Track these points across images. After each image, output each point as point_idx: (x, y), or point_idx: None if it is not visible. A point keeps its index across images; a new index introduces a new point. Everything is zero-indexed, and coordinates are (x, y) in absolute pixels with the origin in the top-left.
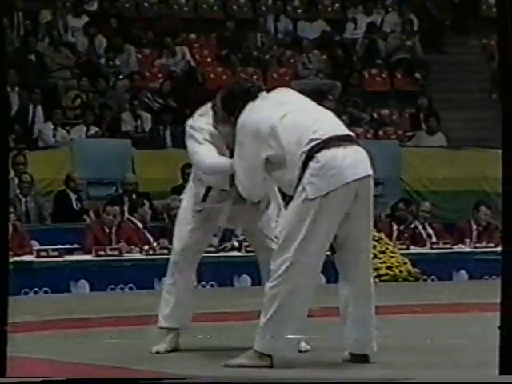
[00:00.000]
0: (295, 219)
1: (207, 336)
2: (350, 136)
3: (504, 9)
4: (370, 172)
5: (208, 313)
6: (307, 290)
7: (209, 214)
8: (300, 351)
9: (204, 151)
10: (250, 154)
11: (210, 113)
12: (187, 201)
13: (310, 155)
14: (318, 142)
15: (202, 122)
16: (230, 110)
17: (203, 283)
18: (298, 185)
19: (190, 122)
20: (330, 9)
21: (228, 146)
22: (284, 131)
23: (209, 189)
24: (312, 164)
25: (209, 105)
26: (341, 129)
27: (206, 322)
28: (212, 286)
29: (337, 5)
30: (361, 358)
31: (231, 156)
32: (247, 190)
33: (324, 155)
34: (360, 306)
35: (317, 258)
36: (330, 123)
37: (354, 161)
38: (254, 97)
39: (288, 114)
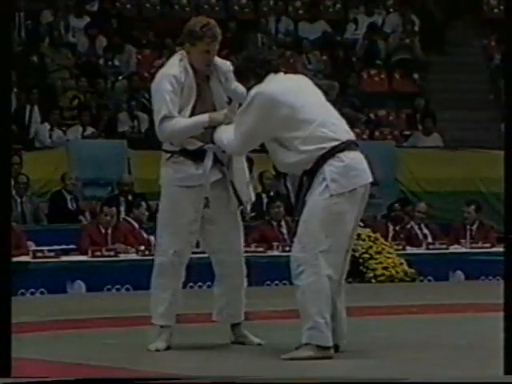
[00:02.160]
0: (317, 215)
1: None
2: (357, 143)
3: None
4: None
5: (201, 313)
6: (333, 282)
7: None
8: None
9: (165, 111)
10: (257, 125)
11: (182, 64)
12: (166, 184)
13: (332, 153)
14: (339, 142)
15: (174, 69)
16: (245, 78)
17: (191, 284)
18: (313, 178)
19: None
20: (331, 9)
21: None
22: (302, 121)
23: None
24: (334, 162)
25: (177, 57)
26: (352, 134)
27: (202, 322)
28: (209, 286)
29: (338, 5)
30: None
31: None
32: (235, 150)
33: (347, 156)
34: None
35: (340, 251)
36: (345, 126)
37: (366, 166)
38: (274, 70)
39: (309, 105)
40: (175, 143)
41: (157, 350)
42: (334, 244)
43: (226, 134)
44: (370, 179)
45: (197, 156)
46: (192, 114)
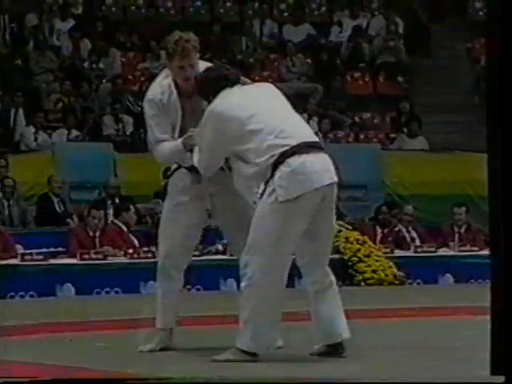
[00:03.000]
0: (266, 220)
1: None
2: (317, 143)
3: (493, 10)
4: (336, 179)
5: (194, 316)
6: (279, 289)
7: (191, 197)
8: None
9: (153, 138)
10: (214, 142)
11: (165, 82)
12: (167, 197)
13: (281, 159)
14: (288, 147)
15: (154, 92)
16: (204, 95)
17: (189, 287)
18: (266, 186)
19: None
20: (315, 12)
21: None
22: (250, 132)
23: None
24: (283, 168)
25: (162, 75)
26: (310, 135)
27: (192, 325)
28: (198, 289)
29: (323, 8)
30: (337, 347)
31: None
32: (202, 166)
33: (295, 161)
34: (326, 301)
35: (285, 258)
36: (300, 128)
37: (322, 168)
38: (230, 84)
39: (257, 114)
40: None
41: (140, 351)
42: (281, 248)
43: (196, 155)
44: (325, 182)
45: (195, 170)
46: (182, 130)
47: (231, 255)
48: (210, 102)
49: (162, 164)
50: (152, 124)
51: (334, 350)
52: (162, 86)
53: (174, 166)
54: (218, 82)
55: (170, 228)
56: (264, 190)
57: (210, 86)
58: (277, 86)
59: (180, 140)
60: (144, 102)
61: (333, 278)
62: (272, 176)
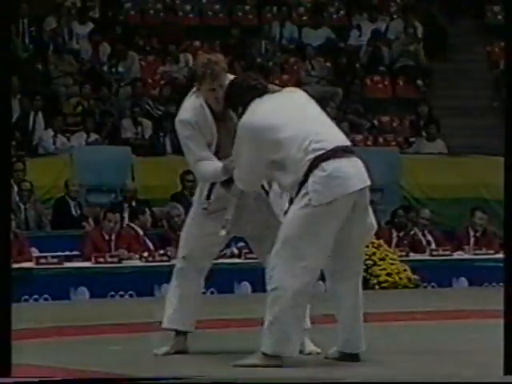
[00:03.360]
0: (297, 224)
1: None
2: (350, 147)
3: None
4: (369, 182)
5: (208, 320)
6: (306, 293)
7: (215, 210)
8: (310, 353)
9: (193, 157)
10: (252, 156)
11: (197, 103)
12: (195, 201)
13: (315, 164)
14: (323, 151)
15: (187, 114)
16: (233, 107)
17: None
18: (299, 190)
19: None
20: (334, 16)
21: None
22: (286, 140)
23: (212, 185)
24: (318, 172)
25: (193, 96)
26: (343, 139)
27: (207, 328)
28: (212, 292)
29: (342, 12)
30: (352, 357)
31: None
32: (244, 184)
33: (330, 165)
34: (349, 308)
35: (316, 262)
36: (333, 133)
37: (355, 172)
38: (259, 94)
39: (291, 121)
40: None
41: (155, 355)
42: (310, 252)
43: (236, 172)
44: (358, 186)
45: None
46: (218, 148)
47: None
48: (239, 113)
49: (202, 181)
50: (189, 144)
51: (349, 359)
52: (194, 107)
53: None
54: (246, 93)
55: (195, 231)
56: (297, 194)
57: (239, 98)
58: (305, 91)
59: (221, 163)
60: (176, 123)
61: (360, 287)
62: (306, 180)
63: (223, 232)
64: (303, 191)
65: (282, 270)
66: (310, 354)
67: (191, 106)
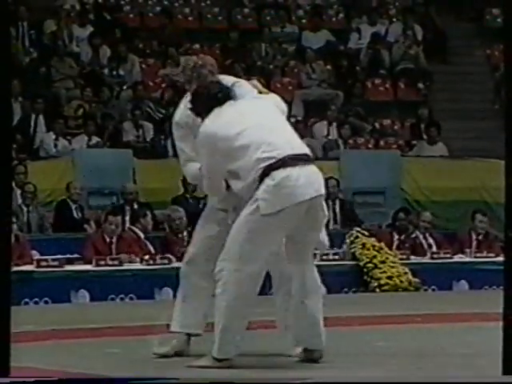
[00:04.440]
0: (245, 231)
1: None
2: (306, 155)
3: (510, 17)
4: (322, 191)
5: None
6: (250, 297)
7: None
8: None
9: (183, 157)
10: (209, 163)
11: (188, 104)
12: (208, 203)
13: (266, 172)
14: (274, 160)
15: (179, 115)
16: (196, 113)
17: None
18: (249, 199)
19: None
20: (334, 19)
21: None
22: (238, 149)
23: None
24: (267, 181)
25: (187, 98)
26: (298, 147)
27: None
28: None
29: (341, 15)
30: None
31: None
32: (205, 187)
33: (279, 174)
34: (307, 308)
35: (261, 267)
36: (288, 141)
37: (307, 181)
38: (220, 103)
39: (245, 131)
40: None
41: (154, 354)
42: (255, 258)
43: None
44: (308, 196)
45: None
46: None
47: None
48: (203, 119)
49: (191, 181)
50: (181, 145)
51: (311, 355)
52: (186, 108)
53: None
54: (208, 102)
55: (198, 235)
56: (249, 200)
57: (202, 106)
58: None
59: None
60: (172, 124)
61: (315, 285)
62: (257, 189)
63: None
64: (253, 198)
65: (228, 275)
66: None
67: (183, 107)
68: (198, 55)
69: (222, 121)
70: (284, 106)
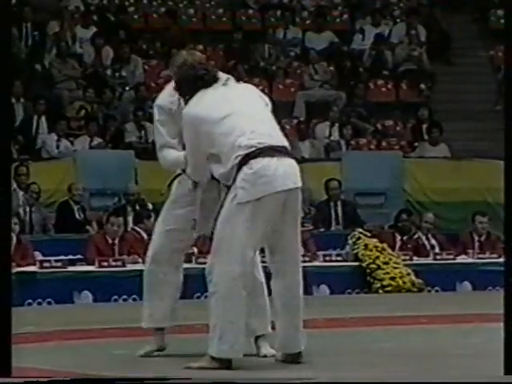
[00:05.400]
0: (229, 224)
1: None
2: (285, 147)
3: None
4: (299, 184)
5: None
6: (242, 295)
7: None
8: (265, 356)
9: (160, 142)
10: (191, 143)
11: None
12: (171, 195)
13: (245, 160)
14: (254, 148)
15: (163, 99)
16: (181, 95)
17: (198, 295)
18: (229, 188)
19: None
20: (338, 20)
21: None
22: (220, 134)
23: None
24: (245, 169)
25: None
26: (278, 139)
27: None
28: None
29: (345, 16)
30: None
31: None
32: (189, 170)
33: (258, 162)
34: (288, 308)
35: (249, 262)
36: (269, 132)
37: (285, 172)
38: (205, 85)
39: (229, 116)
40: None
41: (139, 356)
42: (244, 253)
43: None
44: (286, 186)
45: None
46: None
47: None
48: (186, 101)
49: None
50: (160, 129)
51: (294, 359)
52: (171, 94)
53: (178, 171)
54: (194, 83)
55: (161, 227)
56: (227, 192)
57: (187, 87)
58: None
59: (184, 153)
60: (154, 106)
61: (299, 287)
62: (235, 176)
63: (195, 234)
64: (232, 186)
65: (219, 275)
66: (265, 356)
67: (168, 93)
68: (189, 52)
69: (206, 103)
70: (268, 100)
